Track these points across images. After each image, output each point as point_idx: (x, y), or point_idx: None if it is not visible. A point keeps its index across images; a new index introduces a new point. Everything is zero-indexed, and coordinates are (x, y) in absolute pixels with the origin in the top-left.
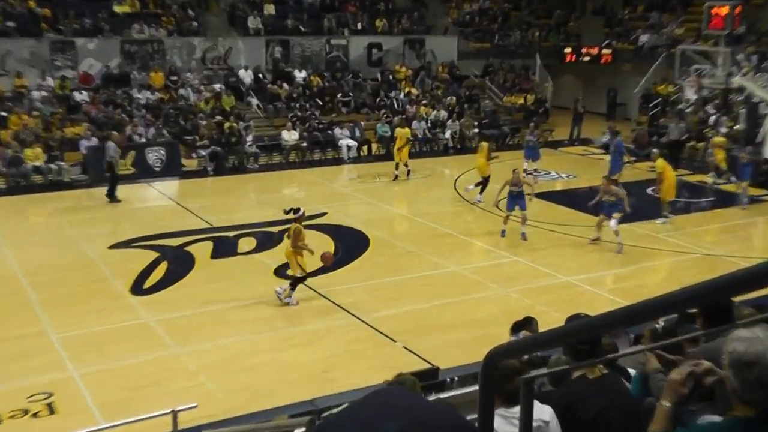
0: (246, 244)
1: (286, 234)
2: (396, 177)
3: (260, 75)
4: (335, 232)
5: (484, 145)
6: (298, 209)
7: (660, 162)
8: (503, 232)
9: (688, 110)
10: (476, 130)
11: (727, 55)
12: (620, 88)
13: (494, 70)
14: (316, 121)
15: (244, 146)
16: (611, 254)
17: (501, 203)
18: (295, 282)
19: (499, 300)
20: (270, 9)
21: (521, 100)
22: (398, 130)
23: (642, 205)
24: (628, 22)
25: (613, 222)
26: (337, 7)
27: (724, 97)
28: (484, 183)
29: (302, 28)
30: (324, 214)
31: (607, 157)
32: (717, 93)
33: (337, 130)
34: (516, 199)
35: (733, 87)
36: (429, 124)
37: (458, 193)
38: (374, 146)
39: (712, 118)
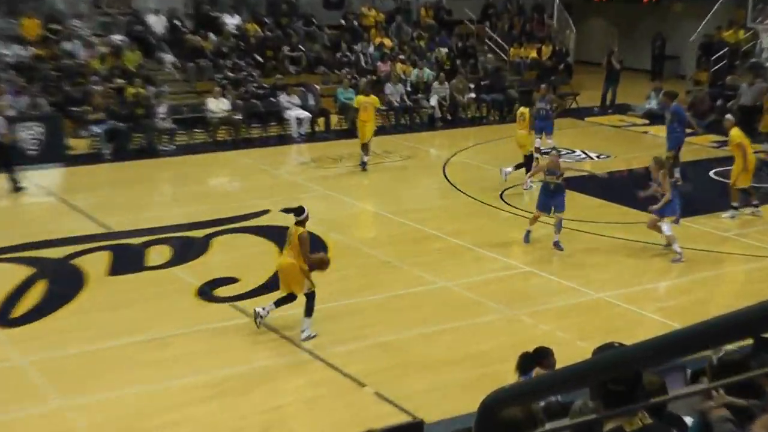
0: (157, 254)
1: (288, 242)
2: (364, 164)
3: (176, 22)
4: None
5: (525, 111)
6: (302, 209)
7: (735, 132)
8: (527, 236)
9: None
10: (473, 95)
11: None
12: (670, 36)
13: (497, 12)
14: (255, 85)
15: (154, 120)
16: (659, 260)
17: (529, 194)
18: (310, 305)
19: (506, 326)
20: None
21: (534, 54)
22: (360, 98)
23: (703, 194)
24: None
25: (665, 227)
26: None
27: None
28: (527, 163)
29: None
30: (266, 212)
31: (658, 130)
32: None
33: (283, 98)
34: (552, 195)
35: None
36: (409, 88)
37: (449, 181)
38: (334, 118)
39: None
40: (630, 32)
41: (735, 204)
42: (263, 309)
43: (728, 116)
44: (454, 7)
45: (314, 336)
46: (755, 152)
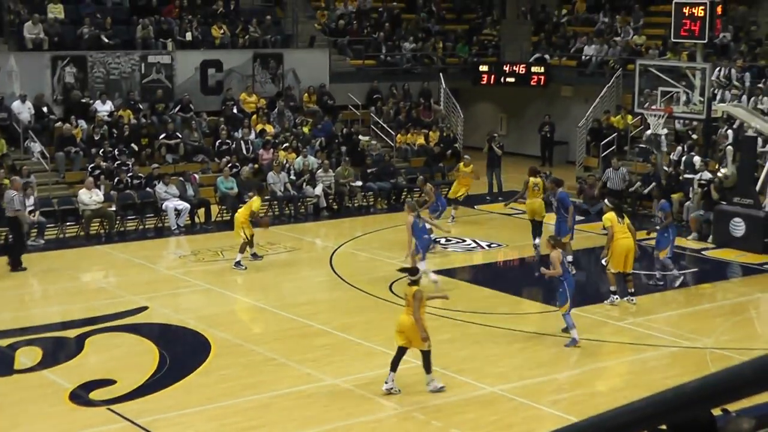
0: (26, 356)
1: (406, 302)
2: (255, 255)
3: (44, 108)
4: (160, 334)
5: (539, 181)
6: (416, 269)
7: (607, 216)
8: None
9: (655, 151)
10: (359, 183)
11: (707, 72)
12: (559, 121)
13: (382, 97)
14: (129, 174)
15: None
16: (554, 351)
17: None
18: (429, 361)
19: (398, 424)
20: (57, 11)
21: (421, 140)
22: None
23: (596, 282)
24: (566, 28)
25: (566, 316)
26: (154, 8)
27: (705, 130)
28: (537, 227)
29: (105, 39)
30: (143, 309)
31: (549, 218)
32: (695, 126)
33: (159, 188)
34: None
35: (717, 116)
36: (293, 176)
37: (336, 273)
38: (214, 209)
39: (686, 159)
40: (518, 117)
41: (612, 288)
42: (389, 384)
43: (606, 201)
44: (337, 92)
45: (443, 388)
46: (641, 240)
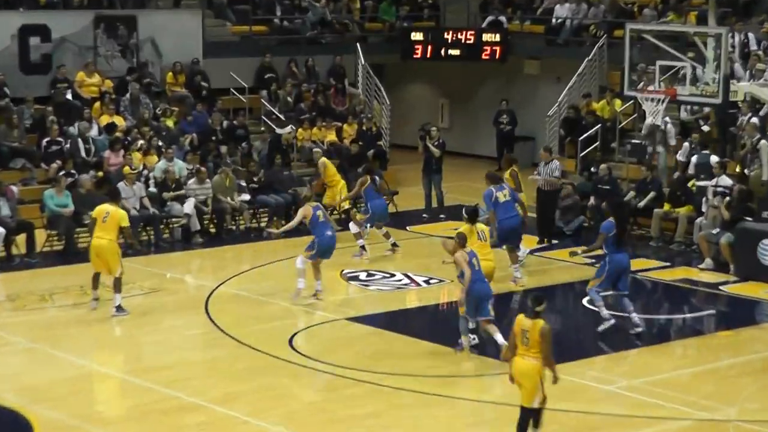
0: None
1: (520, 339)
2: (96, 300)
3: None
4: None
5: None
6: (542, 297)
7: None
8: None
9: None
10: (246, 197)
11: (723, 39)
12: (522, 108)
13: (278, 77)
14: None
15: None
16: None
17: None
18: (540, 418)
19: None
20: None
21: (332, 136)
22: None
23: (571, 334)
24: None
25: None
26: None
27: (720, 118)
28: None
29: None
30: None
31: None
32: (706, 113)
33: None
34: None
35: (738, 100)
36: (153, 189)
37: (214, 323)
38: (41, 235)
39: (697, 159)
40: (466, 104)
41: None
42: None
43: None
44: (215, 70)
45: None
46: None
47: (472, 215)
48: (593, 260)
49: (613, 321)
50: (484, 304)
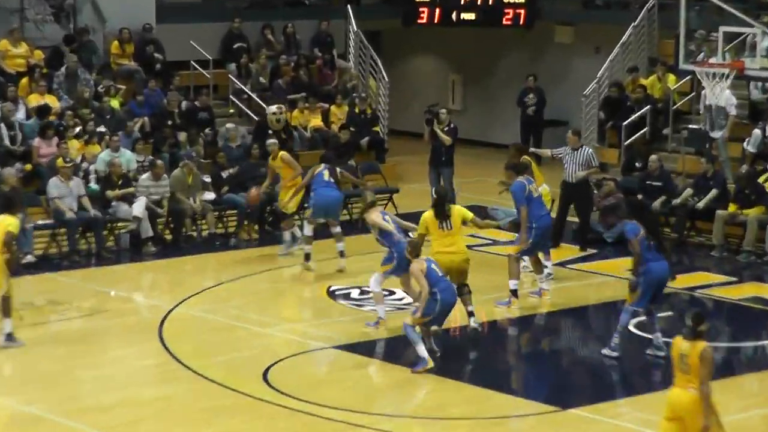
0: None
1: (680, 365)
2: (10, 337)
3: None
4: None
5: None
6: (702, 317)
7: (426, 218)
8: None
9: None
10: (209, 197)
11: None
12: (552, 86)
13: (249, 47)
14: None
15: None
16: None
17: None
18: None
19: None
20: None
21: (316, 120)
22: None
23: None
24: None
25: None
26: None
27: None
28: None
29: None
30: None
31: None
32: None
33: None
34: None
35: None
36: (94, 185)
37: (170, 353)
38: None
39: None
40: (482, 80)
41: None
42: None
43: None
44: (171, 39)
45: None
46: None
47: (442, 198)
48: None
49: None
50: (447, 315)
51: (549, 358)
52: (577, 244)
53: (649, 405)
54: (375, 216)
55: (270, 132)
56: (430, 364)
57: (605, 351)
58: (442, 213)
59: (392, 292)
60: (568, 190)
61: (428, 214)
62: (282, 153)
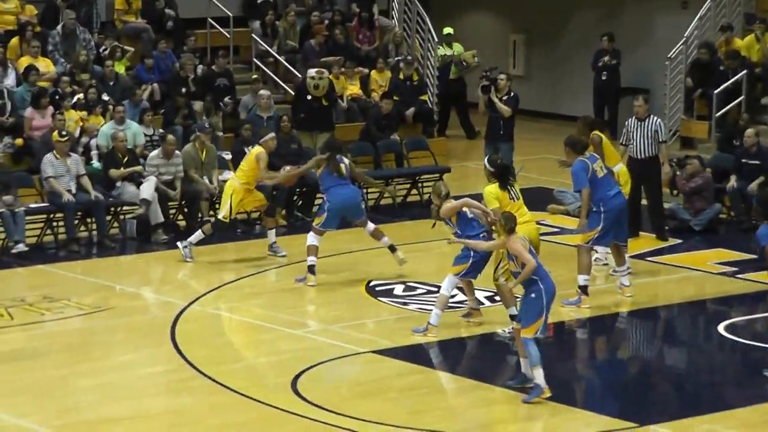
0: None
1: None
2: None
3: None
4: None
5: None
6: None
7: (490, 191)
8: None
9: None
10: (227, 176)
11: None
12: (631, 48)
13: (277, 3)
14: None
15: None
16: None
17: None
18: None
19: None
20: None
21: (355, 88)
22: None
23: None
24: None
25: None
26: None
27: None
28: None
29: None
30: None
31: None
32: None
33: None
34: None
35: None
36: (97, 163)
37: (184, 358)
38: None
39: None
40: (549, 40)
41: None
42: None
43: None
44: None
45: None
46: None
47: (503, 171)
48: (735, 269)
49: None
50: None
51: (623, 367)
52: (653, 232)
53: (746, 421)
54: (454, 206)
55: (309, 98)
56: (547, 392)
57: None
58: (506, 181)
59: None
60: (637, 168)
61: (493, 188)
62: (260, 151)
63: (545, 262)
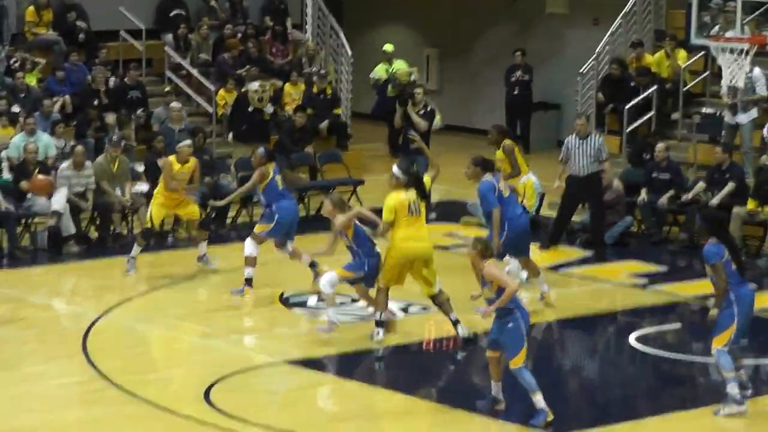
0: None
1: None
2: None
3: None
4: None
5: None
6: None
7: (393, 198)
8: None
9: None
10: (142, 188)
11: None
12: (543, 63)
13: (188, 15)
14: None
15: None
16: None
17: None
18: None
19: None
20: None
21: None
22: None
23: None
24: None
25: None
26: None
27: None
28: None
29: None
30: None
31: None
32: None
33: None
34: None
35: None
36: (7, 175)
37: (95, 368)
38: None
39: None
40: (462, 55)
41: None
42: None
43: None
44: (97, 6)
45: None
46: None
47: (415, 177)
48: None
49: (744, 407)
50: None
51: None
52: (573, 244)
53: (656, 430)
54: (345, 218)
55: (251, 110)
56: (550, 416)
57: (725, 411)
58: (420, 190)
59: (356, 300)
60: (577, 186)
61: (393, 199)
62: (166, 159)
63: (450, 274)
